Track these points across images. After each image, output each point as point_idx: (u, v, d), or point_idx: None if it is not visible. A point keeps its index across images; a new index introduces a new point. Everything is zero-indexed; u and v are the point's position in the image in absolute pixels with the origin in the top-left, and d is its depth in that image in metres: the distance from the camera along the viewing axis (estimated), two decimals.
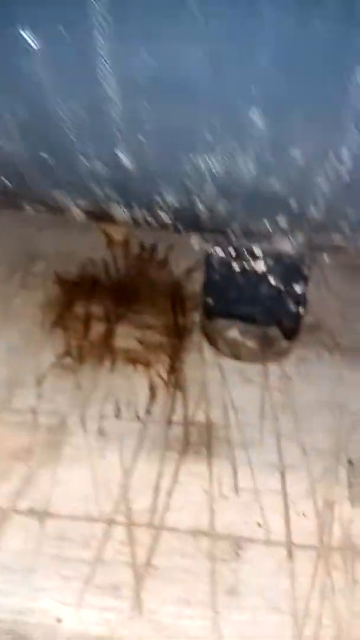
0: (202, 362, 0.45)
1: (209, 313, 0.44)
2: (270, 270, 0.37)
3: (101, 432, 0.39)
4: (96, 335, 0.47)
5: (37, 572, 0.31)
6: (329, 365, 0.46)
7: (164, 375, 0.44)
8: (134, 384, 0.43)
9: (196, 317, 0.48)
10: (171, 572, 0.32)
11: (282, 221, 0.29)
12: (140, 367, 0.44)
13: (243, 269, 0.36)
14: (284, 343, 0.44)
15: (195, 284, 0.49)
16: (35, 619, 0.29)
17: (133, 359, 0.45)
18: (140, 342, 0.46)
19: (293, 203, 0.28)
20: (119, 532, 0.33)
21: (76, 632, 0.29)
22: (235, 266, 0.36)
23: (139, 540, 0.33)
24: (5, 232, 0.56)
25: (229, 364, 0.45)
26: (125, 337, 0.47)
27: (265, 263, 0.35)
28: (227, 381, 0.44)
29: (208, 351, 0.46)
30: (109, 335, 0.47)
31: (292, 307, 0.41)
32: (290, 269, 0.38)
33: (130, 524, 0.33)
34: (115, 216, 0.40)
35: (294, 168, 0.26)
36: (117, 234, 0.42)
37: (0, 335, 0.46)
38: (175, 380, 0.43)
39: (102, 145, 0.27)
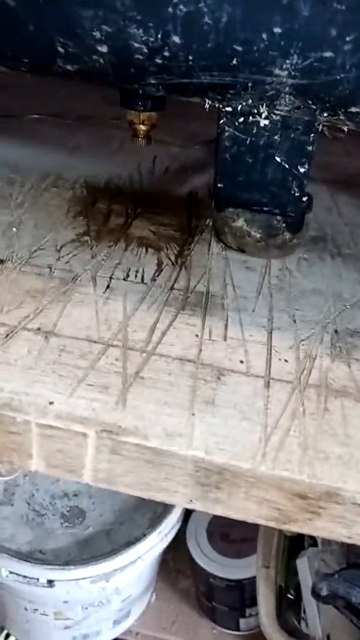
0: (209, 253, 0.48)
1: (219, 203, 0.47)
2: (276, 143, 0.40)
3: (108, 287, 0.42)
4: (114, 224, 0.51)
5: (36, 370, 0.35)
6: (330, 266, 0.49)
7: (172, 257, 0.47)
8: (144, 260, 0.46)
9: (209, 221, 0.52)
10: (156, 383, 0.35)
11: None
12: (151, 250, 0.48)
13: (252, 141, 0.40)
14: (287, 235, 0.47)
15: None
16: (30, 399, 0.33)
17: (146, 244, 0.49)
18: (154, 233, 0.50)
19: None
20: (114, 352, 0.36)
21: (64, 412, 0.32)
22: (245, 137, 0.40)
23: (131, 358, 0.36)
24: (38, 149, 0.61)
25: (234, 255, 0.48)
26: (141, 229, 0.51)
27: (272, 125, 0.39)
28: (230, 267, 0.47)
29: (216, 245, 0.49)
30: (126, 226, 0.51)
31: (296, 193, 0.44)
32: (295, 145, 0.41)
33: (125, 348, 0.37)
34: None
35: None
36: (141, 125, 0.46)
37: (29, 215, 0.50)
38: (182, 262, 0.47)
39: None
